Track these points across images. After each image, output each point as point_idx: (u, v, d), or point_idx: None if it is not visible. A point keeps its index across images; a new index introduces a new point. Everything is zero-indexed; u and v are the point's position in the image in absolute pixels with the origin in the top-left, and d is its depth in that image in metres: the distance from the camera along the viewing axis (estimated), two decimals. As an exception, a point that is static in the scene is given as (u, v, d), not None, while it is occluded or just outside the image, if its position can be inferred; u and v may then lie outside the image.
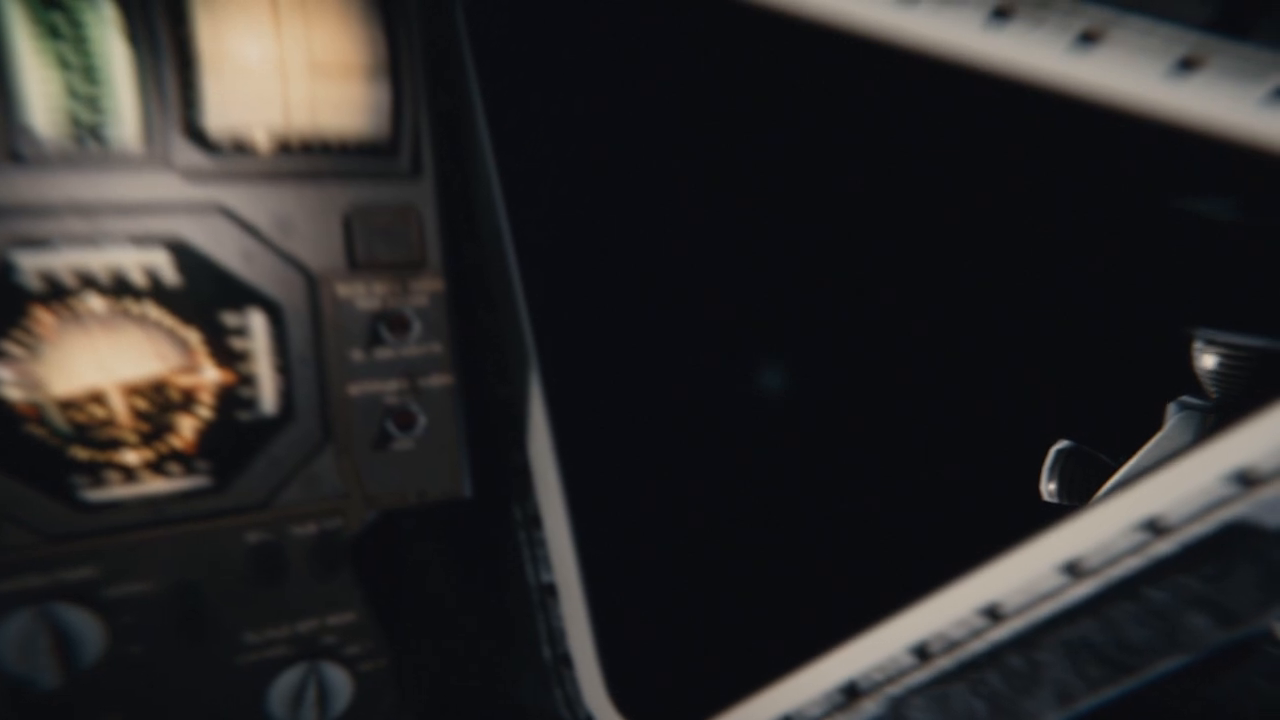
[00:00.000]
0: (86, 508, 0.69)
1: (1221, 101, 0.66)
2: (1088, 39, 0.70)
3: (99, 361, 0.68)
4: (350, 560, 0.80)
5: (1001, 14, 0.71)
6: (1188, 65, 0.67)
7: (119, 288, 0.69)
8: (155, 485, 0.71)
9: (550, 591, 0.97)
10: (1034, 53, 0.70)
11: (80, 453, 0.69)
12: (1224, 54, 0.67)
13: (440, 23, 0.83)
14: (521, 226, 0.92)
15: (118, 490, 0.70)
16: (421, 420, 0.81)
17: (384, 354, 0.79)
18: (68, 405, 0.68)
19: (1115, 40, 0.69)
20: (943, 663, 0.84)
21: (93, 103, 0.66)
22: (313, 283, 0.75)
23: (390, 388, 0.80)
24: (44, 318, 0.67)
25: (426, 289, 0.80)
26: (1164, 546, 0.75)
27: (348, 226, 0.76)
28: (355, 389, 0.78)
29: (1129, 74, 0.69)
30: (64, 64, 0.65)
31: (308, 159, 0.74)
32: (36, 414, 0.67)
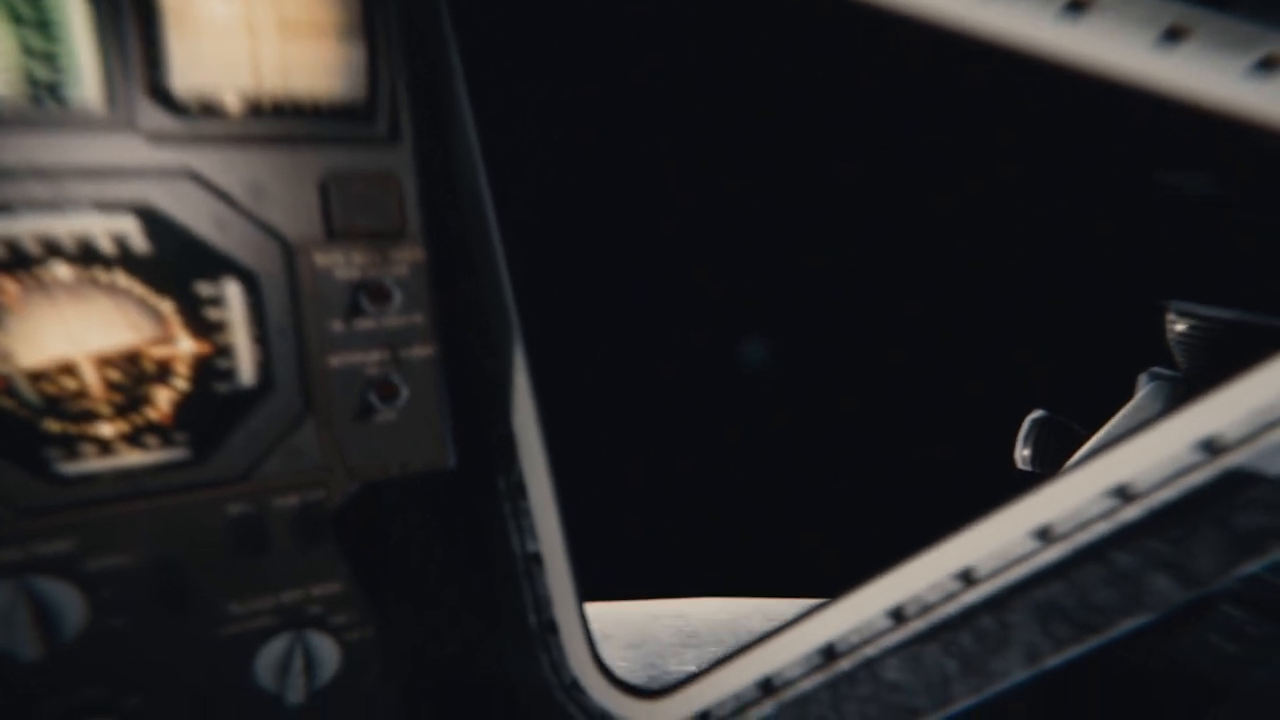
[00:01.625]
0: (61, 481, 0.68)
1: (1207, 72, 0.66)
2: (1076, 6, 0.69)
3: (68, 332, 0.66)
4: (333, 531, 0.80)
5: (991, -21, 0.70)
6: (1174, 35, 0.67)
7: (86, 255, 0.66)
8: (132, 458, 0.70)
9: (536, 560, 0.98)
10: (1023, 20, 0.69)
11: (53, 425, 0.67)
12: (1210, 24, 0.67)
13: None
14: (508, 200, 0.90)
15: (93, 463, 0.69)
16: (403, 391, 0.80)
17: (364, 324, 0.78)
18: (37, 377, 0.66)
19: (1103, 7, 0.68)
20: (917, 624, 0.87)
21: (50, 60, 0.63)
22: (289, 251, 0.74)
23: (371, 358, 0.79)
24: (7, 286, 0.64)
25: (407, 258, 0.79)
26: (1132, 512, 0.78)
27: (324, 193, 0.74)
28: (335, 360, 0.77)
29: (1117, 43, 0.68)
30: (16, 18, 0.61)
31: (280, 122, 0.71)
32: (4, 385, 0.65)
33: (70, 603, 0.69)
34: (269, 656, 0.78)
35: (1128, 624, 0.79)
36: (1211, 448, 0.74)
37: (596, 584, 0.99)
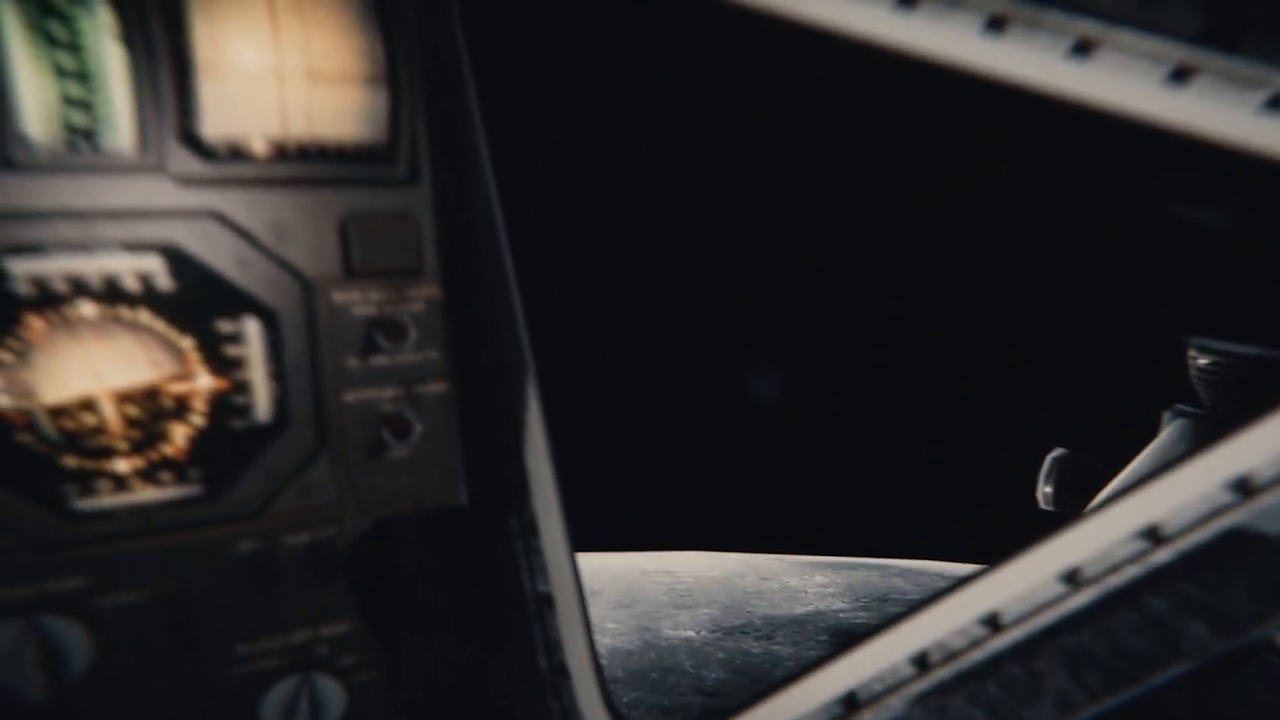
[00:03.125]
0: (76, 517, 0.68)
1: (1217, 110, 0.66)
2: (1083, 48, 0.70)
3: (91, 368, 0.67)
4: (344, 569, 0.79)
5: (997, 24, 0.71)
6: (1182, 74, 0.68)
7: (112, 294, 0.68)
8: (146, 494, 0.70)
9: (547, 601, 0.96)
10: (1031, 61, 0.70)
11: (70, 461, 0.68)
12: (1217, 65, 0.68)
13: (438, 27, 0.83)
14: (514, 215, 0.91)
15: (108, 499, 0.69)
16: (417, 428, 0.80)
17: (380, 361, 0.78)
18: (58, 413, 0.67)
19: (1111, 48, 0.69)
20: (942, 673, 0.83)
21: (87, 108, 0.66)
22: (309, 289, 0.75)
23: (386, 395, 0.79)
24: (35, 324, 0.66)
25: (423, 296, 0.80)
26: (1163, 555, 0.75)
27: (344, 233, 0.76)
28: (351, 396, 0.77)
29: (1126, 82, 0.69)
30: (59, 70, 0.64)
31: (304, 165, 0.74)
32: (26, 421, 0.66)
33: (78, 642, 0.68)
34: (275, 700, 0.76)
35: (1165, 673, 0.75)
36: (1244, 488, 0.72)
37: (580, 535, 0.96)
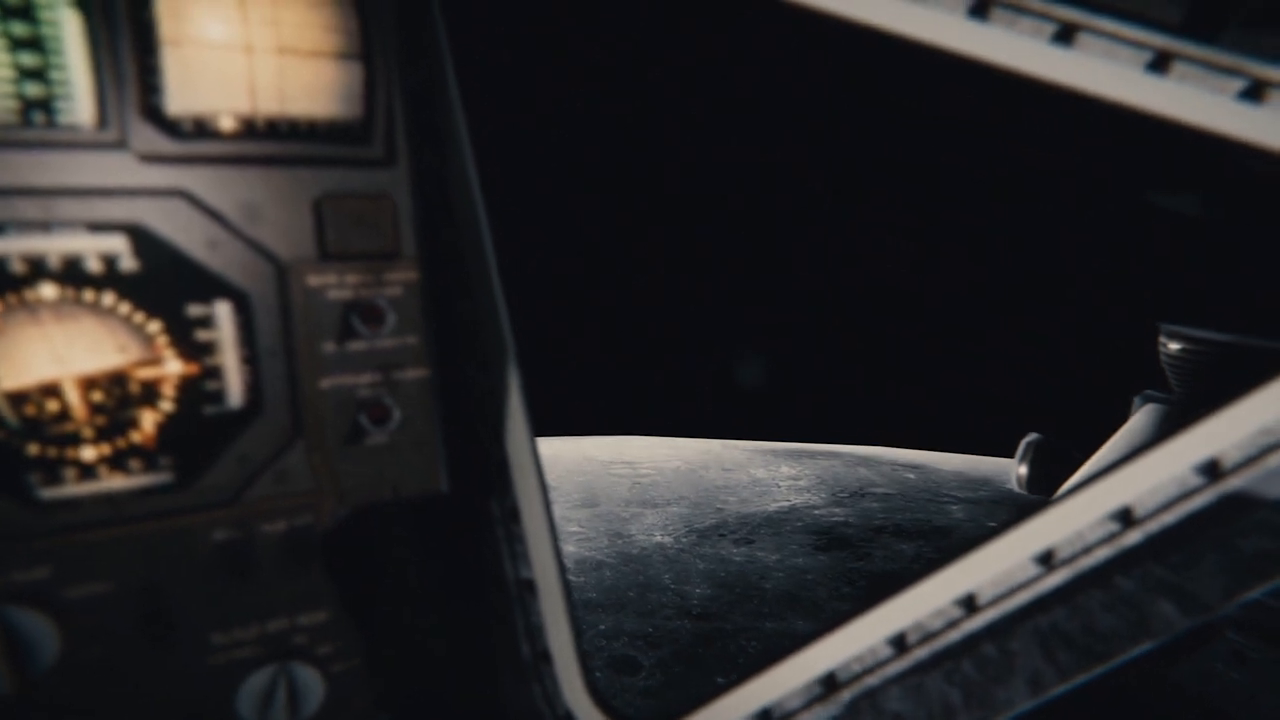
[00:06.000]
0: (41, 506, 0.66)
1: (1196, 97, 0.67)
2: (1066, 34, 0.70)
3: (53, 353, 0.65)
4: (321, 558, 0.78)
5: (981, 8, 0.71)
6: (1163, 62, 0.68)
7: (74, 276, 0.65)
8: (114, 482, 0.68)
9: (529, 587, 0.96)
10: (1015, 46, 0.70)
11: (33, 449, 0.65)
12: (1196, 54, 0.68)
13: (414, 1, 0.81)
14: (498, 214, 0.90)
15: (74, 488, 0.67)
16: (396, 414, 0.78)
17: (357, 346, 0.77)
18: (19, 399, 0.64)
19: (1093, 34, 0.69)
20: (919, 653, 0.85)
21: (41, 76, 0.63)
22: (282, 272, 0.73)
23: (363, 380, 0.77)
24: None
25: (401, 279, 0.78)
26: (1134, 536, 0.77)
27: (318, 214, 0.74)
28: (327, 382, 0.76)
29: (1108, 69, 0.69)
30: (10, 39, 0.61)
31: (275, 143, 0.71)
32: None
33: (45, 633, 0.66)
34: (252, 689, 0.75)
35: (1132, 651, 0.77)
36: (1213, 471, 0.73)
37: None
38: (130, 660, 0.70)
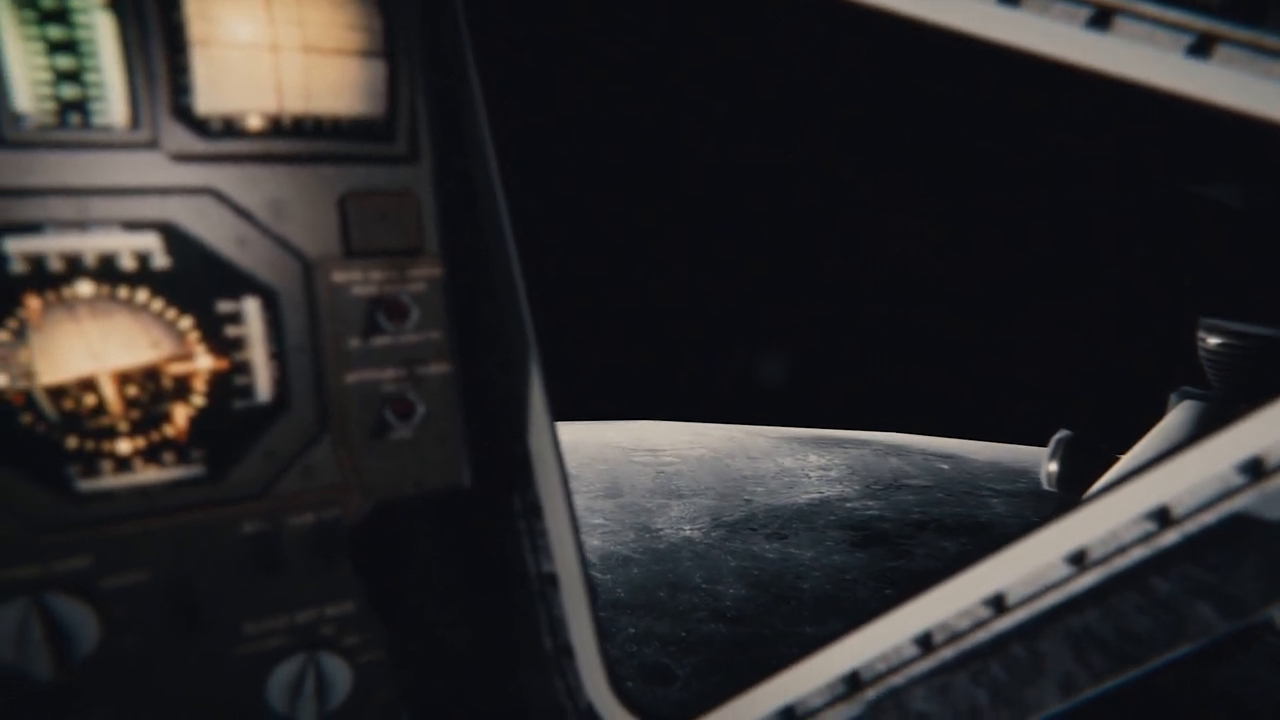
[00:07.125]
0: (79, 498, 0.68)
1: (1241, 82, 0.64)
2: (1102, 18, 0.68)
3: (89, 348, 0.67)
4: (348, 550, 0.79)
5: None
6: (1205, 45, 0.66)
7: (109, 273, 0.67)
8: (149, 474, 0.70)
9: (551, 581, 0.96)
10: (1048, 31, 0.68)
11: (72, 441, 0.67)
12: (1241, 36, 0.65)
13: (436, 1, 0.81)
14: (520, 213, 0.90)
15: (110, 480, 0.69)
16: (420, 409, 0.79)
17: (381, 341, 0.78)
18: (58, 393, 0.66)
19: (1130, 18, 0.67)
20: (945, 653, 0.83)
21: (77, 80, 0.64)
22: (308, 268, 0.74)
23: (388, 376, 0.78)
24: (31, 303, 0.65)
25: (424, 275, 0.79)
26: (1171, 537, 0.74)
27: (343, 211, 0.74)
28: (352, 377, 0.77)
29: (1146, 54, 0.67)
30: (48, 43, 0.62)
31: (301, 141, 0.72)
32: (25, 402, 0.65)
33: (84, 621, 0.68)
34: (281, 678, 0.77)
35: (1168, 654, 0.75)
36: (1256, 470, 0.71)
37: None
38: (163, 649, 0.72)
